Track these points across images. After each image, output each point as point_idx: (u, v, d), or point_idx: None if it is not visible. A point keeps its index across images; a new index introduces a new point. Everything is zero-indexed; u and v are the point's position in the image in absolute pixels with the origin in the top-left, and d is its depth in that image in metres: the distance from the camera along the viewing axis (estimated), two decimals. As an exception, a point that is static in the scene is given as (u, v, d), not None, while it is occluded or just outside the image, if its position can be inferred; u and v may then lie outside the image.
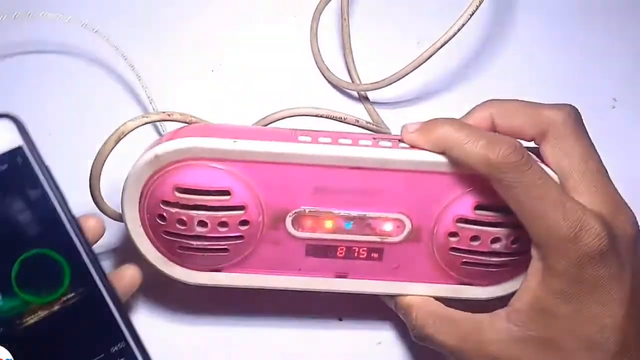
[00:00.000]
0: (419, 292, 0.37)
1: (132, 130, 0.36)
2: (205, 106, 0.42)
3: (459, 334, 0.35)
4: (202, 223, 0.34)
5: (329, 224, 0.36)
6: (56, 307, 0.32)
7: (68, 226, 0.32)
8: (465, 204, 0.35)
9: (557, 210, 0.32)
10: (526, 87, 0.45)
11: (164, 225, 0.35)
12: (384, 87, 0.44)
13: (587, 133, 0.35)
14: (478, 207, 0.35)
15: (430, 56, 0.41)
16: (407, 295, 0.37)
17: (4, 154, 0.31)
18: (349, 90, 0.47)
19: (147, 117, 0.37)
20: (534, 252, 0.33)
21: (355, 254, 0.36)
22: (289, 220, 0.35)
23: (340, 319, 0.42)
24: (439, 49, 0.41)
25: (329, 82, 0.47)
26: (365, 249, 0.36)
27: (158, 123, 0.43)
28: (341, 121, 0.41)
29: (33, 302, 0.31)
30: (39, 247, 0.32)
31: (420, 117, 0.36)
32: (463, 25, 0.40)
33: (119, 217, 0.37)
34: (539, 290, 0.33)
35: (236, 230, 0.35)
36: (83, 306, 0.32)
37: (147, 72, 0.44)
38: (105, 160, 0.36)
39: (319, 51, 0.46)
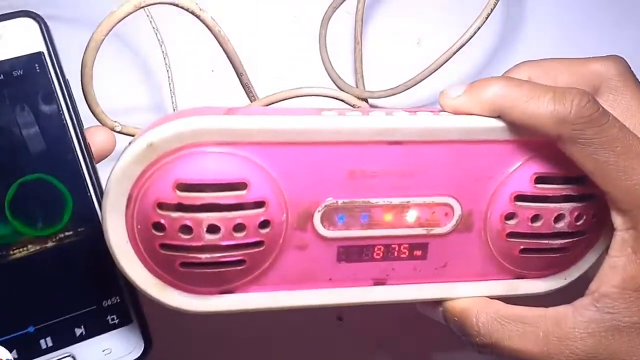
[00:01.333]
0: (471, 293, 0.31)
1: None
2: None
3: (536, 334, 0.29)
4: (212, 228, 0.26)
5: (365, 217, 0.29)
6: (50, 244, 0.28)
7: (79, 154, 0.28)
8: (523, 177, 0.29)
9: None
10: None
11: (162, 237, 0.27)
12: (398, 93, 0.38)
13: None
14: (538, 180, 0.29)
15: (445, 62, 0.37)
16: (457, 298, 0.31)
17: (20, 58, 0.27)
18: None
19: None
20: (618, 221, 0.28)
21: (396, 254, 0.30)
22: (317, 216, 0.28)
23: (340, 319, 0.39)
24: (454, 54, 0.37)
25: (338, 87, 0.41)
26: (406, 245, 0.30)
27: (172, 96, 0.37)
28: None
29: (25, 234, 0.28)
30: (42, 172, 0.28)
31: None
32: (478, 28, 0.36)
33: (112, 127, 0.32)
34: (631, 265, 0.28)
35: (255, 235, 0.27)
36: (80, 248, 0.29)
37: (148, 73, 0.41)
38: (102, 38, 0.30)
39: (328, 58, 0.41)
